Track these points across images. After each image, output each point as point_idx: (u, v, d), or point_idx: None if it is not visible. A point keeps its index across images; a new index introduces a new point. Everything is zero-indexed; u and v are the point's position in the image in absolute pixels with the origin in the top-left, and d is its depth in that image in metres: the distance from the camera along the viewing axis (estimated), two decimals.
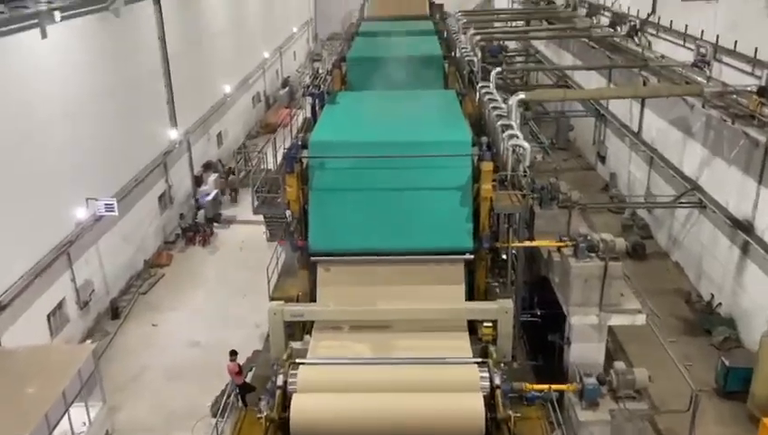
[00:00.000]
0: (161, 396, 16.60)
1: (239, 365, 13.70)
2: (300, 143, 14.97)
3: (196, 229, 24.53)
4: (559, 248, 15.50)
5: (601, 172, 30.05)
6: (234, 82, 34.18)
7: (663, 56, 20.66)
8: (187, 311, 20.30)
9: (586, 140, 32.10)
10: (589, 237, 15.47)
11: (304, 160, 14.86)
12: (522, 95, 16.69)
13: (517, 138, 15.65)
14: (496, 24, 40.13)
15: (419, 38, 28.56)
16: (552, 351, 17.42)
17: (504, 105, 18.10)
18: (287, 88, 44.07)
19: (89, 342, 17.10)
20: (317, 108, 18.64)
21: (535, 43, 40.46)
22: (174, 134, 25.31)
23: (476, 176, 14.85)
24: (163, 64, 24.58)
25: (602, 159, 29.73)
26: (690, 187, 20.14)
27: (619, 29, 26.21)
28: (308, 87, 18.95)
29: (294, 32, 53.59)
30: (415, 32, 30.03)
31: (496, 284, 16.12)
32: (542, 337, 17.78)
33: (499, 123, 16.64)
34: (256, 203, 14.80)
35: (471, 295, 15.30)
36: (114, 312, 19.77)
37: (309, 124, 18.96)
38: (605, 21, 28.64)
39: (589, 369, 15.91)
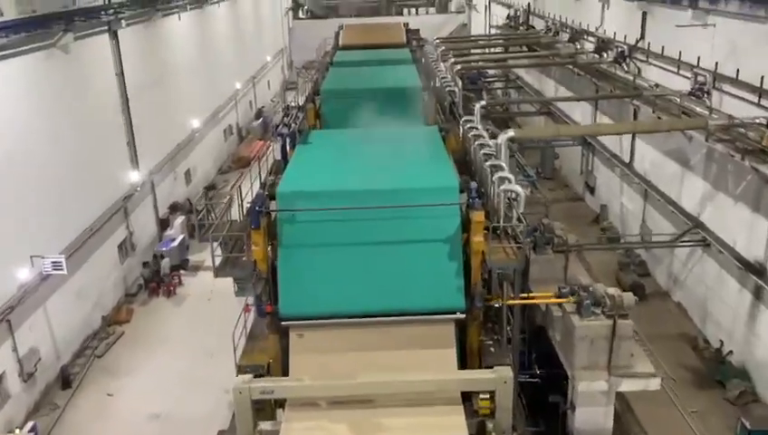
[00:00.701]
0: None
1: None
2: (266, 194, 13.29)
3: (160, 280, 22.60)
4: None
5: (590, 203, 28.70)
6: (203, 116, 32.48)
7: (657, 85, 19.39)
8: (147, 375, 18.31)
9: (573, 169, 30.79)
10: (592, 290, 13.96)
11: (272, 213, 13.21)
12: (511, 133, 15.22)
13: (509, 181, 14.10)
14: (475, 51, 39.04)
15: (396, 68, 27.16)
16: (554, 412, 15.80)
17: (491, 142, 16.60)
18: (261, 119, 42.41)
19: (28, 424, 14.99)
20: (287, 148, 17.00)
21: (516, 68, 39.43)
22: (135, 176, 23.49)
23: (465, 225, 13.28)
24: (122, 102, 22.84)
25: (591, 189, 28.40)
26: (692, 224, 18.74)
27: (605, 55, 25.02)
28: (277, 126, 17.25)
29: (268, 60, 52.17)
30: (392, 61, 28.67)
31: (490, 341, 14.46)
32: (541, 397, 16.17)
33: (488, 164, 15.10)
34: (217, 264, 12.99)
35: (463, 356, 13.66)
36: (65, 380, 17.74)
37: (278, 168, 17.29)
38: (589, 47, 27.51)
39: None
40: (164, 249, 23.68)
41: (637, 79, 21.78)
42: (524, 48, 33.60)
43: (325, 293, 13.09)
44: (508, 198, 13.95)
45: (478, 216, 12.63)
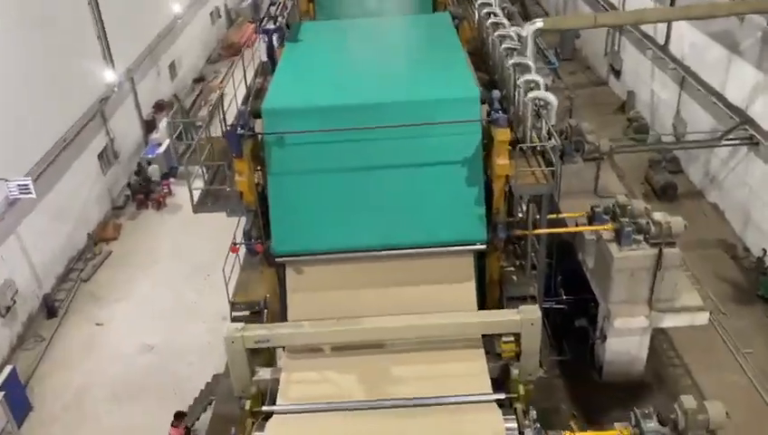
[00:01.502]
0: (106, 425, 13.62)
1: (187, 428, 10.55)
2: (249, 111, 11.16)
3: (148, 190, 20.81)
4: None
5: (615, 88, 26.14)
6: (185, 1, 29.27)
7: None
8: (137, 301, 16.99)
9: (595, 50, 27.90)
10: (632, 211, 12.10)
11: (259, 134, 11.16)
12: (539, 23, 12.72)
13: (538, 86, 11.85)
14: None
15: None
16: (580, 337, 14.49)
17: (513, 33, 14.10)
18: None
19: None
20: (275, 48, 14.57)
21: None
22: (111, 76, 21.05)
23: (487, 144, 11.23)
24: None
25: (616, 73, 25.73)
26: (739, 120, 16.49)
27: None
28: (261, 21, 14.69)
29: None
30: None
31: (512, 268, 12.85)
32: (566, 321, 14.80)
33: (511, 62, 12.75)
34: (195, 199, 11.12)
35: (481, 285, 12.10)
36: (50, 309, 16.45)
37: (265, 70, 14.92)
38: None
39: (629, 369, 13.06)
40: (150, 156, 21.70)
41: None
42: None
43: (324, 225, 11.30)
44: (536, 106, 11.77)
45: (503, 134, 10.55)
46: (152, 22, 25.34)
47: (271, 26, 14.34)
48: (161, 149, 21.93)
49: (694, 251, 16.36)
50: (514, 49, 13.52)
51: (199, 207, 11.13)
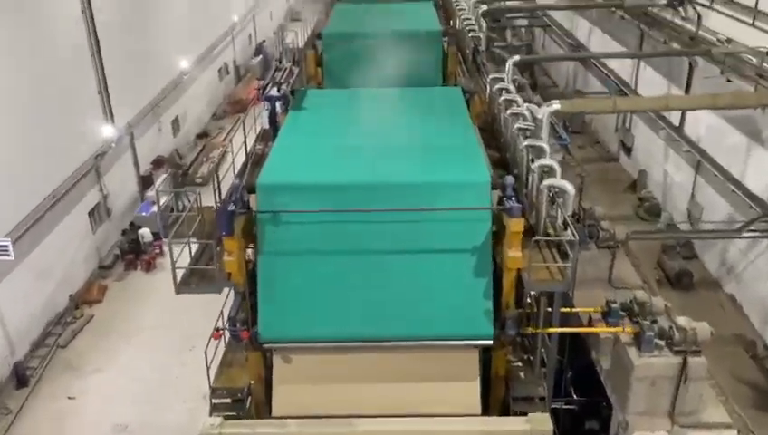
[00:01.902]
0: None
1: None
2: (243, 186, 10.40)
3: (139, 251, 19.95)
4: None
5: (626, 166, 25.50)
6: (193, 56, 29.05)
7: (729, 40, 15.95)
8: (116, 373, 15.91)
9: (606, 124, 27.42)
10: (652, 310, 11.18)
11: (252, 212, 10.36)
12: (556, 105, 12.06)
13: (553, 171, 11.11)
14: None
15: (412, 6, 23.65)
16: None
17: (526, 111, 13.48)
18: (261, 56, 38.83)
19: None
20: (278, 115, 13.95)
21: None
22: (109, 130, 20.49)
23: (497, 231, 10.43)
24: (91, 44, 19.59)
25: (627, 150, 25.14)
26: (761, 211, 15.70)
27: None
28: (264, 87, 14.10)
29: None
30: None
31: (520, 364, 11.85)
32: (576, 423, 13.69)
33: (525, 144, 12.07)
34: (179, 278, 10.21)
35: (486, 381, 11.08)
36: (20, 378, 15.35)
37: (266, 137, 14.25)
38: None
39: None
40: (143, 214, 20.92)
41: (695, 28, 18.25)
42: None
43: (316, 311, 10.38)
44: (551, 193, 11.00)
45: (516, 224, 9.73)
46: (157, 77, 24.98)
47: (274, 93, 13.75)
48: (155, 208, 21.15)
49: (710, 347, 15.32)
50: (528, 129, 12.89)
51: (183, 287, 10.21)
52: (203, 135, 29.82)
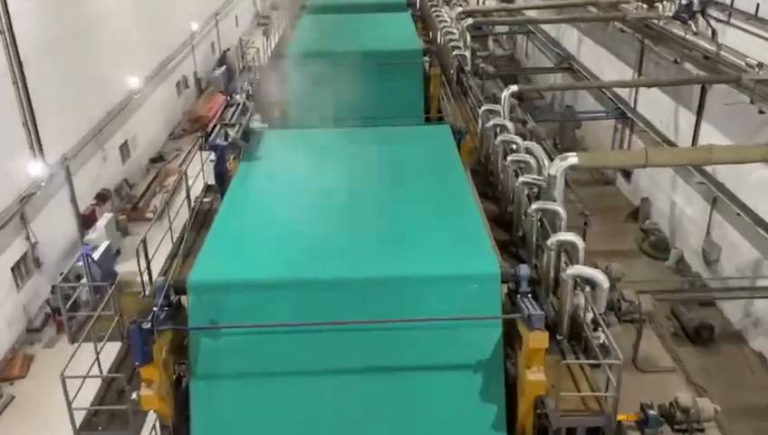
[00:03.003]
0: None
1: None
2: (169, 284, 7.76)
3: (74, 308, 17.02)
4: None
5: (625, 190, 23.27)
6: (145, 71, 26.14)
7: (761, 64, 13.60)
8: None
9: (600, 143, 25.16)
10: (700, 422, 8.82)
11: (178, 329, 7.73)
12: (573, 159, 9.59)
13: (575, 248, 8.64)
14: None
15: (388, 18, 21.07)
16: None
17: (531, 160, 11.03)
18: (224, 67, 35.91)
19: None
20: (225, 167, 11.28)
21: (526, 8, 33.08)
22: (38, 168, 17.60)
23: (510, 338, 7.93)
24: (12, 69, 16.69)
25: (626, 174, 22.89)
26: None
27: (660, 6, 19.03)
28: (208, 133, 11.37)
29: None
30: (382, 5, 22.56)
31: None
32: None
33: (534, 207, 9.61)
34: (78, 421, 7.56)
35: None
36: None
37: (212, 195, 11.52)
38: None
39: None
40: (80, 264, 18.04)
41: (711, 46, 15.96)
42: None
43: None
44: (575, 281, 8.51)
45: (538, 339, 7.23)
46: (99, 100, 22.07)
47: (221, 141, 11.07)
48: (96, 255, 18.29)
49: (740, 419, 13.10)
50: (536, 185, 10.42)
51: (85, 430, 7.53)
52: (157, 159, 26.92)
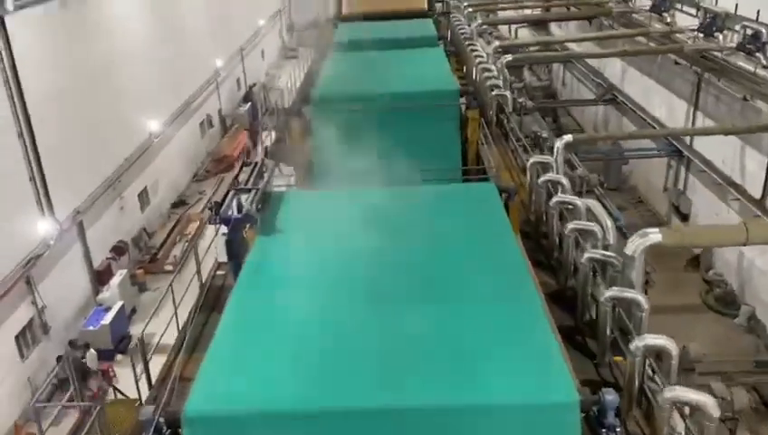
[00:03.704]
0: None
1: None
2: (159, 417, 6.19)
3: (84, 377, 15.70)
4: None
5: None
6: (165, 113, 25.13)
7: None
8: None
9: (651, 181, 23.27)
10: None
11: None
12: (656, 236, 7.90)
13: (669, 355, 6.90)
14: (513, 14, 31.21)
15: (419, 54, 19.63)
16: None
17: (593, 226, 9.37)
18: (249, 103, 34.86)
19: None
20: (239, 242, 9.79)
21: (557, 28, 31.53)
22: (46, 226, 16.40)
23: None
24: (17, 120, 15.59)
25: (682, 216, 20.93)
26: None
27: (720, 38, 17.28)
28: (219, 205, 9.83)
29: (261, 24, 44.15)
30: (411, 41, 21.18)
31: None
32: None
33: (608, 295, 7.90)
34: None
35: None
36: None
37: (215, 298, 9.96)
38: (684, 20, 19.71)
39: None
40: (90, 328, 16.73)
41: None
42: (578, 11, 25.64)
43: None
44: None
45: None
46: (116, 147, 20.99)
47: (233, 212, 9.60)
48: (108, 317, 16.97)
49: None
50: (607, 262, 8.71)
51: None
52: (179, 203, 25.74)
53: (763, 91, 15.29)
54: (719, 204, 18.50)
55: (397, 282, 8.10)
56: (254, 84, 38.64)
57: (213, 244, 9.57)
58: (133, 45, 22.90)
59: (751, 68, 15.34)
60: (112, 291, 17.84)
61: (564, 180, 10.95)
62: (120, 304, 17.38)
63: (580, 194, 12.62)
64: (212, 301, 9.97)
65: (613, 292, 7.87)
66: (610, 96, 25.76)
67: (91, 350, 15.58)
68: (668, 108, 21.30)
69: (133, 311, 18.74)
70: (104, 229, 19.76)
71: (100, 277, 19.01)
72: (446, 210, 10.33)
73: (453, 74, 17.39)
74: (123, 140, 21.46)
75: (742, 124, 16.09)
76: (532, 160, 12.00)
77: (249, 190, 10.23)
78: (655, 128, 21.83)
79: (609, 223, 9.67)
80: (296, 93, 17.44)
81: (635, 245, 7.91)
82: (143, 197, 22.94)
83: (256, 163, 11.31)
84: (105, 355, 16.58)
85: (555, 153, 11.68)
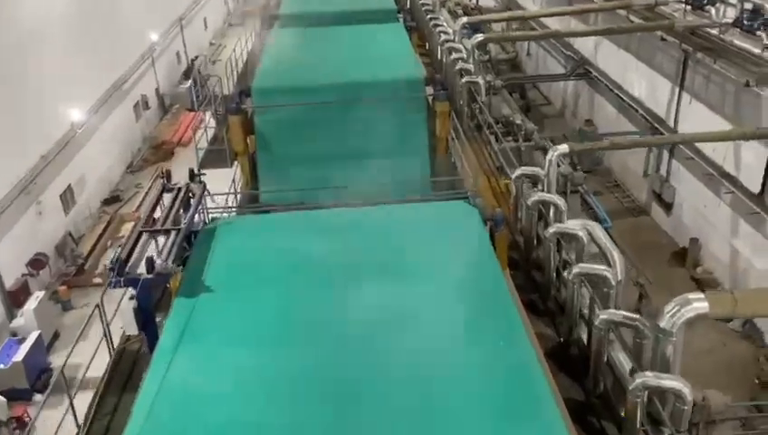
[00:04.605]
0: None
1: None
2: None
3: None
4: None
5: (662, 222, 19.73)
6: (91, 99, 22.24)
7: None
8: None
9: (627, 163, 21.62)
10: None
11: None
12: (702, 305, 6.00)
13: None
14: None
15: (377, 31, 17.29)
16: None
17: (603, 270, 7.48)
18: (191, 80, 31.83)
19: None
20: (151, 309, 7.56)
21: None
22: None
23: None
24: None
25: (666, 205, 19.35)
26: None
27: (713, 12, 15.43)
28: (116, 263, 7.42)
29: None
30: (369, 13, 18.84)
31: None
32: None
33: (638, 382, 6.01)
34: None
35: None
36: None
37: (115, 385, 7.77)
38: None
39: None
40: (1, 366, 14.27)
41: None
42: None
43: None
44: None
45: None
46: (30, 143, 18.18)
47: (142, 272, 7.34)
48: (22, 352, 14.49)
49: None
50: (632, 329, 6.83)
51: None
52: (112, 200, 23.02)
53: (762, 72, 13.55)
54: (707, 194, 16.90)
55: (355, 352, 6.25)
56: (197, 57, 35.51)
57: (117, 311, 7.32)
58: (49, 22, 19.87)
59: (755, 49, 13.53)
60: (27, 317, 15.31)
61: (561, 202, 8.98)
62: (35, 333, 14.91)
63: (564, 195, 10.75)
64: (125, 377, 7.79)
65: (647, 378, 5.98)
66: (582, 70, 23.88)
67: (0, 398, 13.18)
68: (650, 86, 19.51)
69: (55, 336, 16.29)
70: (19, 242, 17.10)
71: (15, 298, 16.44)
72: (415, 240, 8.34)
73: (417, 57, 15.15)
74: (39, 135, 18.64)
75: (737, 111, 14.40)
76: (517, 173, 9.98)
77: (168, 232, 7.95)
78: (635, 108, 20.07)
79: (616, 257, 7.80)
80: (236, 81, 14.90)
81: (674, 316, 5.99)
82: (66, 196, 20.19)
83: (180, 189, 8.95)
84: (21, 395, 14.21)
85: (547, 165, 9.67)
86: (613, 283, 7.45)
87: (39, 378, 14.77)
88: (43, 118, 18.98)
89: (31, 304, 15.60)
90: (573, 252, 8.31)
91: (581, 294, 7.98)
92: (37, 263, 17.55)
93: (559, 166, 9.96)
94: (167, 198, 9.03)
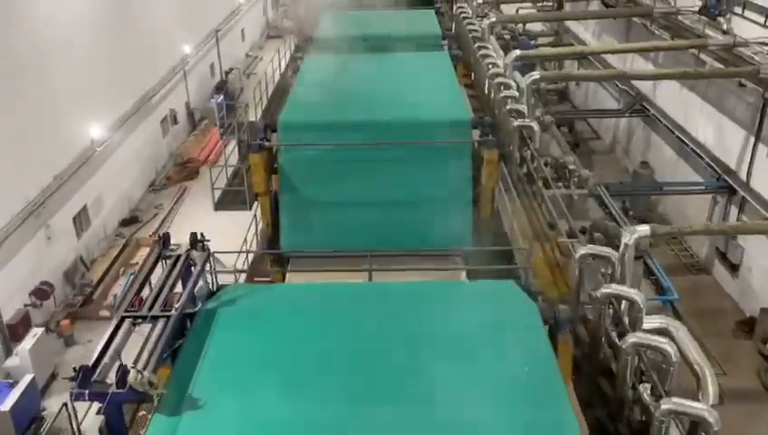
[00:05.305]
0: None
1: None
2: None
3: None
4: None
5: (726, 285, 17.72)
6: (115, 114, 21.12)
7: None
8: None
9: (688, 214, 19.64)
10: None
11: None
12: None
13: None
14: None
15: (420, 62, 15.77)
16: None
17: (714, 422, 5.73)
18: (221, 94, 30.65)
19: None
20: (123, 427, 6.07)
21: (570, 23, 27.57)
22: None
23: None
24: None
25: (731, 266, 17.36)
26: None
27: None
28: (78, 373, 5.91)
29: (241, 2, 39.70)
30: (411, 38, 17.41)
31: None
32: None
33: None
34: None
35: None
36: None
37: None
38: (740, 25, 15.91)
39: None
40: None
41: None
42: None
43: None
44: None
45: None
46: (43, 163, 17.04)
47: (113, 378, 5.86)
48: (11, 399, 13.16)
49: None
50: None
51: None
52: (130, 221, 21.81)
53: None
54: None
55: None
56: (231, 70, 34.42)
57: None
58: (71, 31, 18.79)
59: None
60: (22, 357, 14.03)
61: (639, 298, 7.26)
62: (28, 377, 13.58)
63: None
64: None
65: None
66: (639, 107, 22.04)
67: None
68: (718, 132, 17.61)
69: (53, 377, 14.98)
70: (23, 269, 15.89)
71: (15, 331, 15.20)
72: (455, 330, 6.77)
73: (463, 95, 13.55)
74: (54, 152, 17.49)
75: None
76: (582, 252, 8.26)
77: (156, 318, 6.46)
78: (699, 155, 18.17)
79: (711, 390, 6.12)
80: (258, 122, 13.43)
81: None
82: (80, 218, 18.98)
83: (179, 256, 7.47)
84: None
85: (622, 250, 7.94)
86: (714, 425, 5.75)
87: (29, 427, 13.44)
88: (60, 134, 17.84)
89: (27, 342, 14.30)
90: (655, 373, 6.60)
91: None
92: (41, 293, 16.30)
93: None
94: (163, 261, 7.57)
